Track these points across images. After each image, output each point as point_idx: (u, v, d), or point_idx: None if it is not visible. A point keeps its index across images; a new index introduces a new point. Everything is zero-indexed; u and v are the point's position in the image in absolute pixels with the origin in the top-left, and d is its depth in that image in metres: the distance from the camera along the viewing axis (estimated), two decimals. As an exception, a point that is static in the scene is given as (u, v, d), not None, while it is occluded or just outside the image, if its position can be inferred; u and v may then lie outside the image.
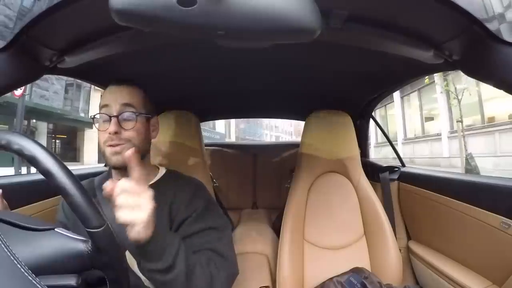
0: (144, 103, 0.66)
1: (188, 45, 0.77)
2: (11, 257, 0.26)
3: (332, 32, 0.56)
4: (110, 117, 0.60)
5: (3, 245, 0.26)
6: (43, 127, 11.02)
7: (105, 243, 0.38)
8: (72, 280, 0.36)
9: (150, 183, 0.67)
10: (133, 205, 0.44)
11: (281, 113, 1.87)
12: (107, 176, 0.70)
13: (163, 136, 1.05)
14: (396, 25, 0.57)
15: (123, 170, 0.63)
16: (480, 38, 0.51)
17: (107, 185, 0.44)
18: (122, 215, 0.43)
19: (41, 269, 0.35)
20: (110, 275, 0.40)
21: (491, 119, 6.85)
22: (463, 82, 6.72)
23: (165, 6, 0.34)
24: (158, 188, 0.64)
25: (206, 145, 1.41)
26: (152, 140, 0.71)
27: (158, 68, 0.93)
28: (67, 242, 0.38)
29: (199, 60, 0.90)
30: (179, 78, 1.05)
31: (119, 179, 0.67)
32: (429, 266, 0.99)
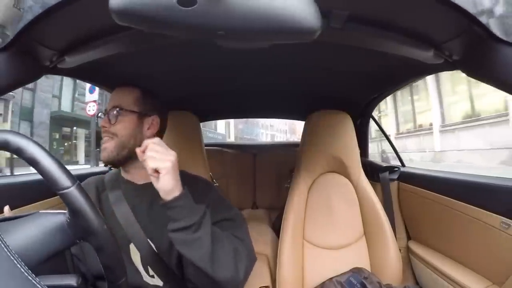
0: (136, 102, 0.70)
1: (188, 45, 0.77)
2: (11, 257, 0.26)
3: (332, 32, 0.56)
4: (104, 113, 0.69)
5: (3, 245, 0.26)
6: (81, 133, 12.76)
7: (78, 203, 0.37)
8: (72, 280, 0.36)
9: None
10: (159, 155, 0.51)
11: (281, 113, 1.87)
12: (118, 173, 0.73)
13: (163, 136, 1.05)
14: (396, 25, 0.57)
15: (116, 166, 0.69)
16: (480, 38, 0.51)
17: (139, 148, 0.53)
18: (151, 163, 0.50)
19: (30, 251, 0.35)
20: (93, 242, 0.39)
21: (420, 125, 9.11)
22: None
23: (165, 6, 0.34)
24: None
25: (206, 145, 1.41)
26: None
27: (158, 68, 0.93)
28: (49, 217, 0.38)
29: (199, 60, 0.90)
30: (179, 78, 1.05)
31: (124, 176, 0.70)
32: (429, 266, 0.99)
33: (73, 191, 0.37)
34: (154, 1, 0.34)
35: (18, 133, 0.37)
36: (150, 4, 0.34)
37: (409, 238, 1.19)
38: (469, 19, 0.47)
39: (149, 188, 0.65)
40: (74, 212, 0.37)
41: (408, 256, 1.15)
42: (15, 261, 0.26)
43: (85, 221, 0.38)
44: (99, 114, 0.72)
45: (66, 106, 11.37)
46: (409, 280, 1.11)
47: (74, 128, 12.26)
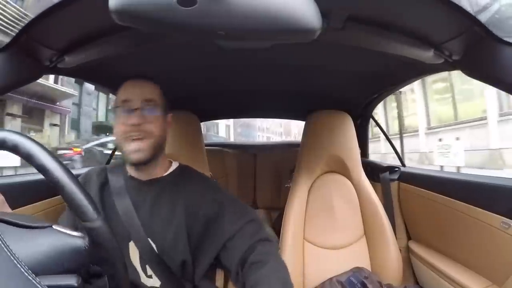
0: (161, 100, 0.67)
1: (188, 45, 0.77)
2: (11, 257, 0.26)
3: (332, 32, 0.56)
4: (132, 110, 0.60)
5: (3, 245, 0.26)
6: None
7: (101, 237, 0.38)
8: (72, 280, 0.36)
9: (162, 175, 0.68)
10: None
11: (281, 113, 1.87)
12: (121, 167, 0.68)
13: None
14: (396, 25, 0.57)
15: (141, 165, 0.63)
16: (480, 39, 0.51)
17: None
18: None
19: (39, 266, 0.34)
20: (108, 271, 0.40)
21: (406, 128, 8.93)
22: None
23: (165, 6, 0.34)
24: (170, 180, 0.67)
25: (206, 145, 1.41)
26: None
27: (158, 68, 0.93)
28: (65, 238, 0.38)
29: (199, 60, 0.90)
30: (179, 78, 1.05)
31: (129, 171, 0.67)
32: (429, 266, 0.99)
33: (101, 227, 0.37)
34: (154, 1, 0.34)
35: (59, 162, 0.38)
36: (150, 4, 0.34)
37: (409, 238, 1.19)
38: (469, 19, 0.48)
39: (153, 185, 0.65)
40: (96, 244, 0.38)
41: (408, 256, 1.15)
42: (15, 261, 0.26)
43: (105, 253, 0.39)
44: (118, 109, 0.62)
45: (101, 116, 13.86)
46: (409, 280, 1.11)
47: (107, 133, 13.12)
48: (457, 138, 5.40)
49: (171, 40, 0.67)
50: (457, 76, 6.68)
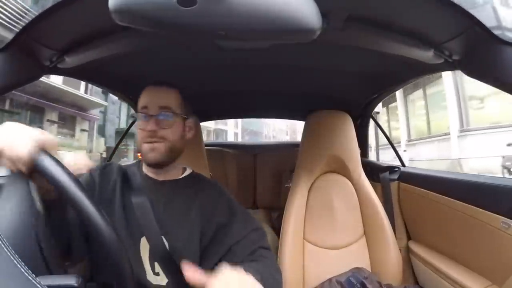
0: (180, 104, 0.69)
1: (188, 45, 0.77)
2: (11, 257, 0.26)
3: (332, 32, 0.56)
4: (149, 116, 0.65)
5: (3, 245, 0.26)
6: (131, 142, 14.99)
7: (114, 254, 0.39)
8: (72, 280, 0.36)
9: (176, 178, 0.71)
10: None
11: (281, 113, 1.86)
12: (137, 167, 0.72)
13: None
14: (396, 25, 0.57)
15: (157, 167, 0.67)
16: (480, 38, 0.51)
17: None
18: None
19: None
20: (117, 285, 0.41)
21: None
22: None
23: (165, 6, 0.34)
24: (184, 183, 0.70)
25: (206, 145, 1.41)
26: None
27: (158, 68, 0.93)
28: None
29: (199, 60, 0.90)
30: (179, 78, 1.05)
31: (145, 170, 0.70)
32: (429, 266, 0.99)
33: (115, 244, 0.39)
34: (154, 1, 0.34)
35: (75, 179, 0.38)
36: (150, 4, 0.34)
37: (409, 238, 1.19)
38: (469, 19, 0.47)
39: (168, 186, 0.68)
40: (108, 260, 0.39)
41: (408, 256, 1.15)
42: (15, 261, 0.26)
43: (116, 268, 0.40)
44: (138, 115, 0.67)
45: (122, 122, 15.31)
46: (409, 280, 1.11)
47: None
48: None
49: (171, 40, 0.67)
50: (431, 95, 8.14)
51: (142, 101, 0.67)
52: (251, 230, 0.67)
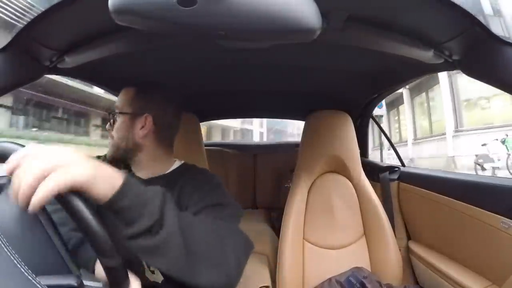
0: (129, 102, 0.68)
1: (188, 45, 0.77)
2: (11, 257, 0.26)
3: (332, 32, 0.56)
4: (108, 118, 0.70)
5: (3, 245, 0.26)
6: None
7: (118, 275, 0.38)
8: (72, 280, 0.36)
9: (163, 173, 0.69)
10: (40, 170, 0.31)
11: (281, 113, 1.86)
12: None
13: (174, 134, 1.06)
14: (396, 25, 0.57)
15: (113, 164, 0.63)
16: (480, 38, 0.51)
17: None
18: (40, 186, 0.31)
19: None
20: None
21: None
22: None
23: (165, 6, 0.34)
24: (169, 178, 0.68)
25: (206, 145, 1.41)
26: None
27: (158, 68, 0.93)
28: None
29: (199, 60, 0.90)
30: (179, 78, 1.05)
31: (133, 169, 0.70)
32: (429, 266, 0.99)
33: (118, 265, 0.37)
34: (154, 1, 0.34)
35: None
36: (150, 4, 0.34)
37: (409, 238, 1.19)
38: (469, 19, 0.48)
39: (153, 183, 0.65)
40: (112, 279, 0.38)
41: (408, 256, 1.15)
42: (15, 261, 0.26)
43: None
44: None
45: None
46: (409, 280, 1.11)
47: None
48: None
49: (171, 40, 0.67)
50: (434, 97, 8.77)
51: None
52: (211, 205, 0.57)
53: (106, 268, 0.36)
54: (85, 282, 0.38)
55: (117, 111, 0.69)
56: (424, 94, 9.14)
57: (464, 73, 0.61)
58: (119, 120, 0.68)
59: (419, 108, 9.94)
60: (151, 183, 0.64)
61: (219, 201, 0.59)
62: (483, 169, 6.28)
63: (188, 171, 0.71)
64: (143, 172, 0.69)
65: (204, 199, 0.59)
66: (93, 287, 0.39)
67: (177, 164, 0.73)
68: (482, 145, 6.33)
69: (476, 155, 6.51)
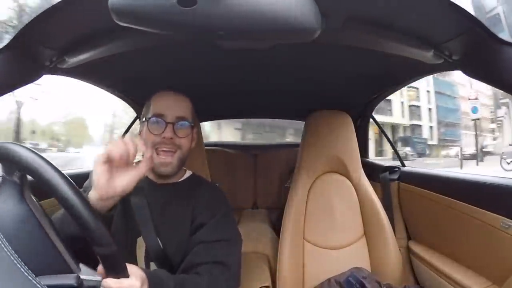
0: (191, 112, 0.70)
1: (188, 45, 0.77)
2: (11, 257, 0.26)
3: (332, 33, 0.56)
4: (166, 123, 0.64)
5: (3, 245, 0.26)
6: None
7: (114, 262, 0.39)
8: (72, 280, 0.36)
9: (177, 181, 0.72)
10: None
11: (281, 113, 1.86)
12: None
13: None
14: (396, 25, 0.57)
15: (166, 178, 0.69)
16: (480, 39, 0.51)
17: None
18: None
19: None
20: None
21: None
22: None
23: (165, 6, 0.34)
24: (181, 187, 0.71)
25: (206, 145, 1.41)
26: None
27: (158, 68, 0.93)
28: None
29: (199, 60, 0.90)
30: (178, 78, 1.05)
31: (150, 177, 0.70)
32: (429, 266, 0.99)
33: (114, 252, 0.38)
34: (153, 1, 0.34)
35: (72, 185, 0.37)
36: (150, 4, 0.34)
37: (409, 238, 1.19)
38: (469, 20, 0.47)
39: (166, 189, 0.69)
40: (107, 266, 0.39)
41: (408, 256, 1.15)
42: (15, 261, 0.26)
43: (114, 274, 0.40)
44: (151, 119, 0.65)
45: None
46: (409, 280, 1.11)
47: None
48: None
49: (171, 40, 0.67)
50: None
51: (158, 107, 0.67)
52: (216, 240, 0.63)
53: (102, 257, 0.38)
54: (84, 277, 0.38)
55: (190, 122, 0.67)
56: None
57: (464, 73, 0.61)
58: (189, 131, 0.68)
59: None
60: (164, 189, 0.69)
61: (224, 237, 0.64)
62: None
63: (199, 186, 0.74)
64: (160, 178, 0.70)
65: (216, 230, 0.64)
66: (92, 280, 0.39)
67: (187, 174, 0.76)
68: None
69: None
